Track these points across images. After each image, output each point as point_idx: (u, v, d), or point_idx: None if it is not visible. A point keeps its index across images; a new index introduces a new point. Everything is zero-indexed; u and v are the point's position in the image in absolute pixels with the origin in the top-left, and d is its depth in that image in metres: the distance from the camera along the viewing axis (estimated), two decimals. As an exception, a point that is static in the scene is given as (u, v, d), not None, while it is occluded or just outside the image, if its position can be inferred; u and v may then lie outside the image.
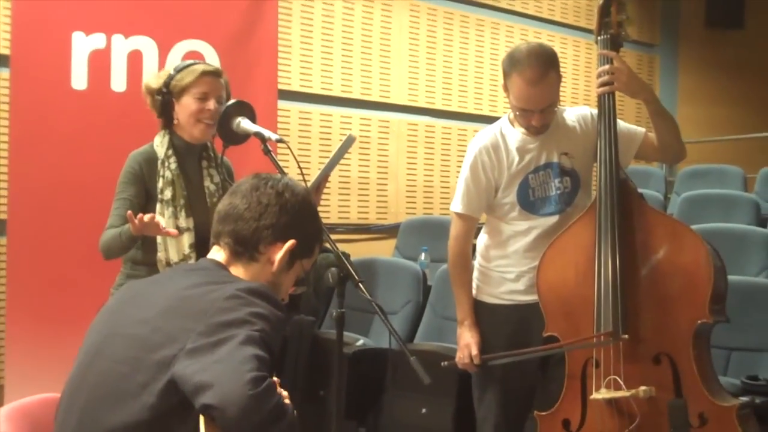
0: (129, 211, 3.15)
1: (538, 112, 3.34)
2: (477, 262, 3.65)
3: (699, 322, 3.01)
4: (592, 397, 3.09)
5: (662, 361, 3.06)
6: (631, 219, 3.17)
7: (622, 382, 3.05)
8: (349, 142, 3.36)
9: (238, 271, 2.20)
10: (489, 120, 7.65)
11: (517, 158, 3.46)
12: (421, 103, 7.46)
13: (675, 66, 9.77)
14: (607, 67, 3.32)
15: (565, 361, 3.25)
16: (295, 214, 2.23)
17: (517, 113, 3.40)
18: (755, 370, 3.78)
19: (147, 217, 3.11)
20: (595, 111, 3.47)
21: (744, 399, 3.13)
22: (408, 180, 7.35)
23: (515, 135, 3.49)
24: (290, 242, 2.21)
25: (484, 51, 7.88)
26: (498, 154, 3.48)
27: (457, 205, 3.59)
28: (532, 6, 8.30)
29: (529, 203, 3.46)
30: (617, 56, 3.36)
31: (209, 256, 2.26)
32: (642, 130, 3.48)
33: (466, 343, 3.54)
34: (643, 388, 3.02)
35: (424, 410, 4.34)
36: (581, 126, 3.49)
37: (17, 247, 4.50)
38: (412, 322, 5.23)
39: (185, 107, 3.43)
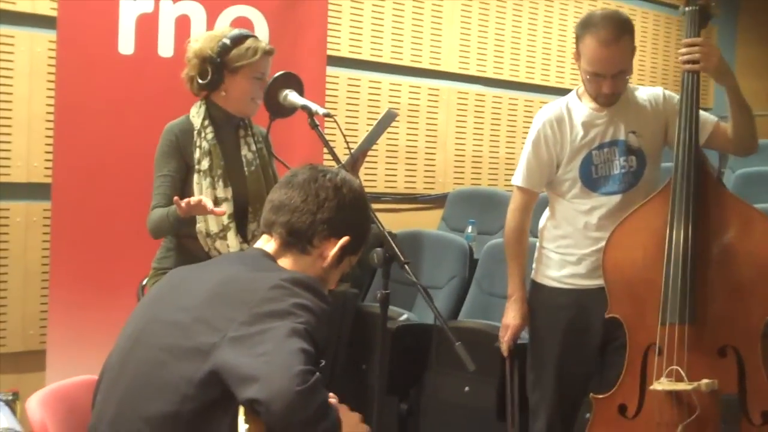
0: (176, 197, 3.12)
1: (610, 78, 3.28)
2: (538, 243, 3.59)
3: None
4: (651, 387, 3.02)
5: (728, 354, 2.99)
6: (706, 204, 3.06)
7: (684, 374, 2.96)
8: (390, 117, 3.30)
9: (286, 262, 2.16)
10: (540, 90, 7.73)
11: (581, 132, 3.40)
12: (472, 72, 7.34)
13: (733, 37, 9.52)
14: (699, 40, 3.18)
15: (626, 347, 3.19)
16: (352, 211, 2.20)
17: (588, 78, 3.34)
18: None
19: (193, 200, 3.08)
20: (668, 92, 3.41)
21: None
22: (456, 150, 7.25)
23: (582, 109, 3.44)
24: (345, 239, 2.17)
25: (538, 19, 7.73)
26: (562, 128, 3.44)
27: (517, 178, 3.57)
28: (589, -27, 8.12)
29: (592, 180, 3.40)
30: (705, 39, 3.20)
31: (257, 245, 2.21)
32: (714, 118, 3.36)
33: (507, 324, 3.55)
34: (705, 381, 2.93)
35: (467, 388, 4.30)
36: (652, 105, 3.42)
37: (61, 212, 4.49)
38: (457, 297, 5.16)
39: (241, 84, 3.38)
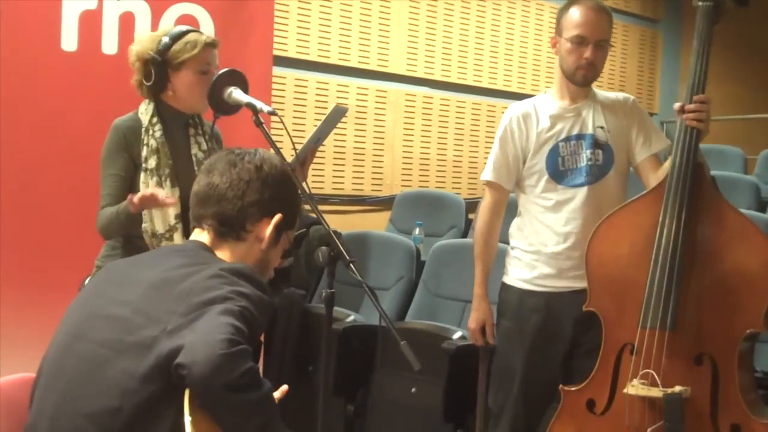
0: (130, 195, 3.08)
1: (593, 44, 3.32)
2: (509, 245, 3.59)
3: (749, 331, 2.92)
4: (625, 390, 2.99)
5: (704, 362, 2.97)
6: (700, 209, 3.02)
7: (658, 379, 2.94)
8: (338, 112, 3.27)
9: (224, 253, 2.13)
10: (489, 93, 7.77)
11: (547, 124, 3.43)
12: (420, 74, 7.36)
13: (678, 42, 9.64)
14: (709, 99, 3.17)
15: (593, 353, 3.17)
16: (277, 187, 2.17)
17: (569, 49, 3.37)
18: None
19: (146, 193, 3.06)
20: (636, 100, 3.51)
21: None
22: (404, 152, 7.26)
23: (551, 104, 3.48)
24: (277, 216, 2.15)
25: (485, 22, 7.77)
26: (528, 123, 3.47)
27: (486, 173, 3.58)
28: (536, -23, 8.18)
29: (558, 172, 3.41)
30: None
31: (192, 238, 2.18)
32: (652, 152, 3.40)
33: (469, 328, 3.57)
34: (678, 388, 2.91)
35: (413, 389, 4.28)
36: (620, 106, 3.46)
37: (3, 210, 4.40)
38: (405, 298, 5.15)
39: (185, 80, 3.33)
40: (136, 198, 3.04)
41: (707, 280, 2.99)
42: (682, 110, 3.10)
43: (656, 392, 2.92)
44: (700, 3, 3.19)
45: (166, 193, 3.13)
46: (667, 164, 3.18)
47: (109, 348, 1.89)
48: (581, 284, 3.25)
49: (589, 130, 3.40)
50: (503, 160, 3.51)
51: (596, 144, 3.39)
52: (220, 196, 2.13)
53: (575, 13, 3.35)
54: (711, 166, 7.14)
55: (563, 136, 3.42)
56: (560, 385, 3.24)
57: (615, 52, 8.83)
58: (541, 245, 3.44)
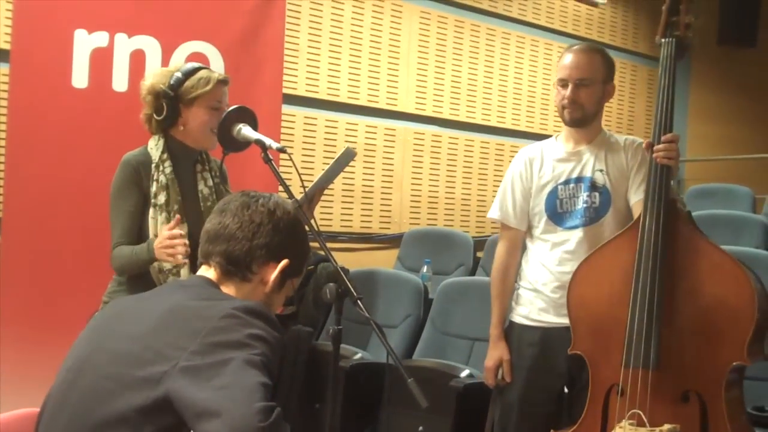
0: (156, 243, 3.15)
1: (573, 85, 3.39)
2: (517, 284, 3.65)
3: (735, 363, 2.91)
4: (612, 431, 2.97)
5: (691, 399, 2.95)
6: (675, 243, 3.02)
7: (646, 419, 2.90)
8: (348, 156, 3.29)
9: (229, 290, 2.13)
10: (495, 131, 7.79)
11: (550, 167, 3.51)
12: (429, 112, 7.38)
13: (686, 83, 9.67)
14: (677, 138, 3.16)
15: (588, 388, 3.16)
16: (288, 233, 2.17)
17: (556, 91, 3.47)
18: (762, 400, 3.67)
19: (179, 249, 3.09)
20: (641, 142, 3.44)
21: None
22: (413, 190, 7.26)
23: (557, 148, 3.55)
24: (284, 262, 2.15)
25: (494, 61, 7.80)
26: (533, 165, 3.56)
27: (492, 211, 3.67)
28: (544, 17, 8.21)
29: (557, 215, 3.47)
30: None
31: (198, 273, 2.18)
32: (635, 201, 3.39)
33: (485, 366, 3.59)
34: (667, 426, 2.85)
35: (421, 428, 4.26)
36: (627, 148, 3.47)
37: (11, 247, 4.43)
38: (412, 336, 5.13)
39: (197, 116, 3.34)
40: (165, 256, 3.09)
41: (688, 316, 2.98)
42: (650, 147, 3.12)
43: (644, 431, 2.90)
44: (663, 39, 3.21)
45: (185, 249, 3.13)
46: None
47: (115, 382, 1.87)
48: None
49: (588, 174, 3.44)
50: (510, 197, 3.59)
51: (594, 187, 3.43)
52: (230, 236, 2.13)
53: (562, 59, 3.47)
54: (720, 205, 7.17)
55: (563, 179, 3.48)
56: (551, 431, 3.24)
57: (623, 92, 8.87)
58: (537, 284, 3.49)
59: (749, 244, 5.85)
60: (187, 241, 3.07)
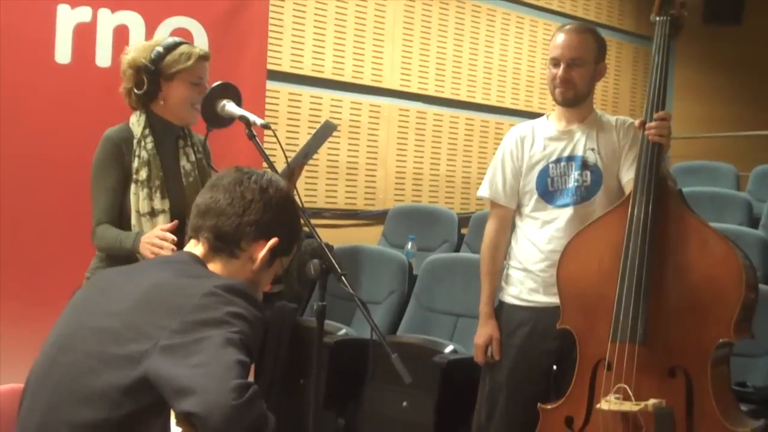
0: (143, 239, 3.12)
1: (565, 64, 3.40)
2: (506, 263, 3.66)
3: (721, 340, 2.93)
4: (598, 406, 2.99)
5: (677, 375, 2.98)
6: (665, 220, 3.05)
7: (632, 392, 2.94)
8: (328, 128, 3.27)
9: (216, 267, 2.12)
10: (480, 108, 7.79)
11: (541, 146, 3.52)
12: (414, 89, 7.38)
13: (672, 61, 9.67)
14: (670, 115, 3.21)
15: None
16: (279, 212, 2.16)
17: (549, 70, 3.49)
18: (744, 376, 3.70)
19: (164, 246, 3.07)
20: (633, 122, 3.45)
21: (757, 424, 3.03)
22: (398, 167, 7.27)
23: (548, 127, 3.56)
24: (273, 240, 2.14)
25: (479, 37, 7.80)
26: (524, 143, 3.57)
27: (482, 189, 3.67)
28: (529, -6, 8.21)
29: (548, 193, 3.48)
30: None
31: (186, 249, 2.17)
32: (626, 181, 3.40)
33: (475, 343, 3.58)
34: (652, 401, 2.90)
35: (404, 403, 4.27)
36: (619, 128, 3.49)
37: (-5, 223, 4.40)
38: (396, 312, 5.14)
39: (178, 91, 3.33)
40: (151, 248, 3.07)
41: (676, 292, 3.01)
42: (642, 126, 3.15)
43: (629, 406, 2.93)
44: (658, 18, 3.25)
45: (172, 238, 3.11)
46: None
47: (97, 359, 1.88)
48: None
49: (580, 153, 3.46)
50: (500, 175, 3.59)
51: (585, 166, 3.44)
52: (220, 211, 2.12)
53: (554, 38, 3.48)
54: (704, 182, 7.20)
55: (554, 157, 3.49)
56: (539, 404, 3.26)
57: (608, 69, 8.86)
58: (527, 263, 3.50)
59: (733, 222, 5.88)
60: (174, 247, 3.05)
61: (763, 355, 3.84)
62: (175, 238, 3.07)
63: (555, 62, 3.43)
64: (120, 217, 3.29)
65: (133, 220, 3.27)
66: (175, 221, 3.17)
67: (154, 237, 3.10)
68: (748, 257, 3.04)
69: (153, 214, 3.27)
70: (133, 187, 3.29)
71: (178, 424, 1.78)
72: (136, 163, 3.30)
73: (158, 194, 3.30)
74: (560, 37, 3.44)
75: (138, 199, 3.27)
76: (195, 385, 1.74)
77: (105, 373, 1.85)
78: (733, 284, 2.94)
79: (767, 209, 6.26)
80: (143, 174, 3.29)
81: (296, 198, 2.74)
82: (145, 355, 1.81)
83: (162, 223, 3.25)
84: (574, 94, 3.44)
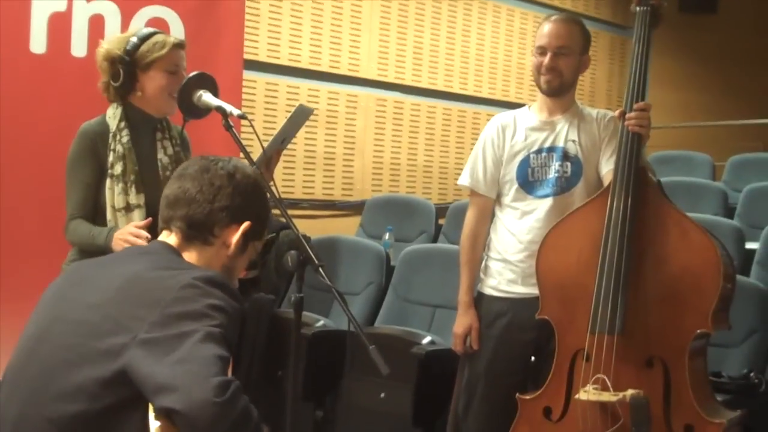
0: (115, 235, 3.10)
1: (552, 53, 3.42)
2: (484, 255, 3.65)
3: (699, 331, 2.95)
4: (576, 396, 3.00)
5: (655, 365, 2.99)
6: (644, 211, 3.05)
7: (610, 384, 2.96)
8: (303, 113, 3.25)
9: (191, 256, 2.12)
10: (459, 98, 7.78)
11: (522, 136, 3.53)
12: (391, 79, 7.37)
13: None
14: (650, 106, 3.21)
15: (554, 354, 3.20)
16: (249, 196, 2.17)
17: (533, 61, 3.50)
18: (719, 366, 3.73)
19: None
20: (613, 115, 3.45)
21: (734, 415, 3.05)
22: (375, 157, 7.26)
23: (530, 117, 3.57)
24: (246, 224, 2.14)
25: (456, 27, 7.79)
26: (505, 132, 3.57)
27: (462, 178, 3.67)
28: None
29: (528, 183, 3.49)
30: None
31: (159, 239, 2.17)
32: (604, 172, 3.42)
33: (453, 332, 3.59)
34: (630, 391, 2.91)
35: (382, 395, 4.27)
36: (599, 120, 3.51)
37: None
38: (374, 303, 5.15)
39: (154, 81, 3.31)
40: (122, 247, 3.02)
41: (655, 283, 3.02)
42: (622, 116, 3.17)
43: (607, 396, 2.94)
44: (638, 8, 3.27)
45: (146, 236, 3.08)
46: None
47: (75, 352, 1.87)
48: None
49: (561, 143, 3.47)
50: (481, 164, 3.59)
51: (566, 157, 3.45)
52: (191, 199, 2.12)
53: (541, 28, 3.50)
54: (679, 172, 7.21)
55: (535, 148, 3.50)
56: (517, 395, 3.27)
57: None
58: (506, 253, 3.50)
59: (708, 211, 5.91)
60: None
61: (738, 345, 3.87)
62: (149, 236, 3.03)
63: (541, 51, 3.44)
64: (95, 212, 3.26)
65: (109, 215, 3.24)
66: (150, 219, 3.12)
67: (128, 234, 3.07)
68: (725, 248, 3.06)
69: (128, 209, 3.25)
70: (108, 181, 3.27)
71: (157, 417, 1.78)
72: (111, 158, 3.28)
73: (133, 189, 3.28)
74: (547, 27, 3.46)
75: (113, 194, 3.25)
76: (176, 382, 1.74)
77: (83, 366, 1.84)
78: (711, 275, 2.95)
79: (742, 199, 6.30)
80: (118, 168, 3.27)
81: (273, 189, 2.74)
82: (124, 348, 1.81)
83: (138, 218, 3.23)
84: (560, 83, 3.45)
